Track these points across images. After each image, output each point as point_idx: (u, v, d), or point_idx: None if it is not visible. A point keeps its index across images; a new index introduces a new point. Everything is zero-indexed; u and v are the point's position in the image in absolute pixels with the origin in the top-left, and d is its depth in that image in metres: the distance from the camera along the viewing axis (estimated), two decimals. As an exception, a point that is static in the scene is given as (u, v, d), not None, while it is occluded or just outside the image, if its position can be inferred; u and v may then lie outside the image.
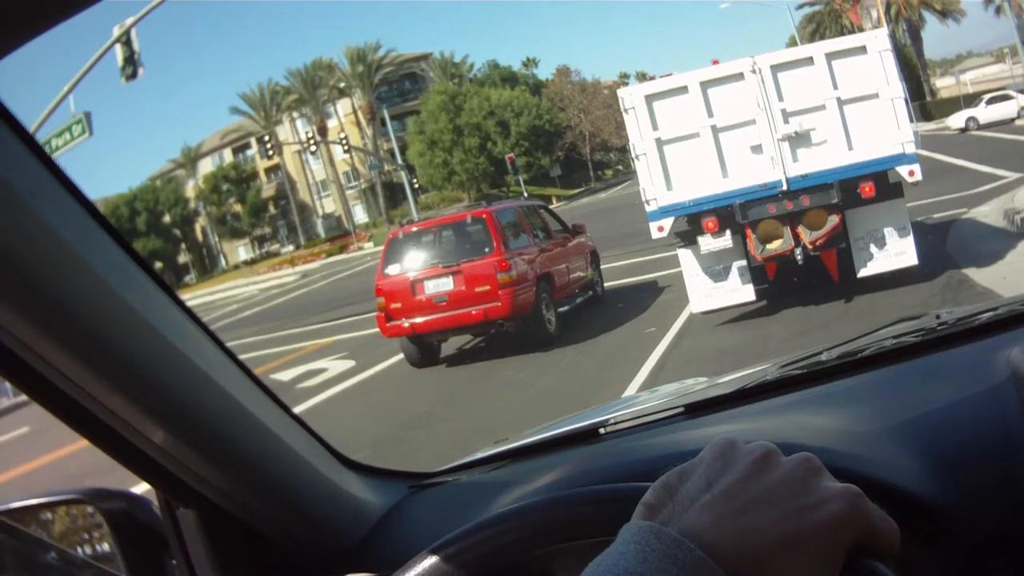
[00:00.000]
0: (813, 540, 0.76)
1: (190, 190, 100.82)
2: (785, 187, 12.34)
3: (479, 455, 2.02)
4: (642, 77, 17.26)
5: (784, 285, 13.92)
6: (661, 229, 12.84)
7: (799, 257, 12.75)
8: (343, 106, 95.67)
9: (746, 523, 0.76)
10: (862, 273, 12.90)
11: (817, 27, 76.69)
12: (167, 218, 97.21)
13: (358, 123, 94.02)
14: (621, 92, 13.18)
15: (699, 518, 0.77)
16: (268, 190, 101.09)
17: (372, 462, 1.84)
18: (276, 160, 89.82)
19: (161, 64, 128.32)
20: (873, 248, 12.77)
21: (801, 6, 79.39)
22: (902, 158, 12.06)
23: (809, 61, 12.40)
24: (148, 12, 22.84)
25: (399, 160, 76.07)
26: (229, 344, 1.42)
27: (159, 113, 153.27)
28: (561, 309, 15.83)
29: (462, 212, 16.38)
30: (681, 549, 0.73)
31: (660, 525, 0.77)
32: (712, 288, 13.30)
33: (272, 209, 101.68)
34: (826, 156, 12.30)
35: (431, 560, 1.15)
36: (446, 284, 14.66)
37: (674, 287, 16.38)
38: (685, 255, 13.31)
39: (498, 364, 14.62)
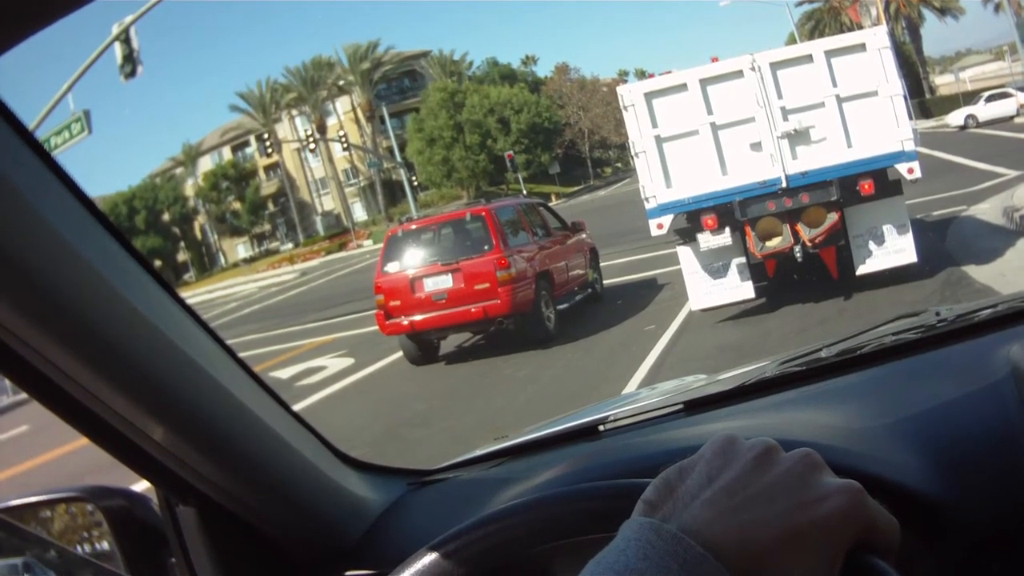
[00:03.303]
0: (814, 536, 0.76)
1: (189, 188, 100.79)
2: (784, 184, 12.36)
3: (478, 452, 2.02)
4: (641, 75, 17.34)
5: (783, 282, 13.93)
6: (660, 226, 12.85)
7: (798, 254, 12.76)
8: (342, 104, 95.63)
9: (747, 519, 0.76)
10: (861, 270, 12.91)
11: (816, 24, 76.70)
12: (166, 216, 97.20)
13: (357, 121, 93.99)
14: (620, 90, 13.20)
15: (700, 514, 0.77)
16: (267, 188, 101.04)
17: (371, 459, 1.84)
18: (275, 158, 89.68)
19: (160, 62, 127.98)
20: (872, 245, 12.78)
21: (800, 3, 79.41)
22: (901, 155, 12.08)
23: (808, 59, 12.41)
24: (147, 10, 22.87)
25: (398, 158, 76.09)
26: (228, 342, 1.42)
27: (158, 111, 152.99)
28: (560, 307, 15.83)
29: (461, 210, 16.40)
30: (681, 546, 0.73)
31: (660, 522, 0.77)
32: (711, 285, 13.30)
33: (271, 207, 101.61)
34: (825, 153, 12.30)
35: (430, 557, 1.15)
36: (445, 281, 14.66)
37: (673, 284, 16.38)
38: (684, 252, 13.32)
39: (497, 361, 14.62)
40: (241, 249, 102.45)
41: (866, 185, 12.29)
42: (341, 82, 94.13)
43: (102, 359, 1.17)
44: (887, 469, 1.33)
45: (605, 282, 18.93)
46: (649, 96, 12.74)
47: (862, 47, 12.24)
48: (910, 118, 12.59)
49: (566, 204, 65.76)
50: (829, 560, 0.77)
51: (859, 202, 12.52)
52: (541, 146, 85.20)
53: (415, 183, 77.64)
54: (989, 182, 21.60)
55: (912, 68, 69.89)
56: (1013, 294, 2.01)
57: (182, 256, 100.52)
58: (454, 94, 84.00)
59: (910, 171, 12.16)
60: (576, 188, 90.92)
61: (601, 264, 19.02)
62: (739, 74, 12.49)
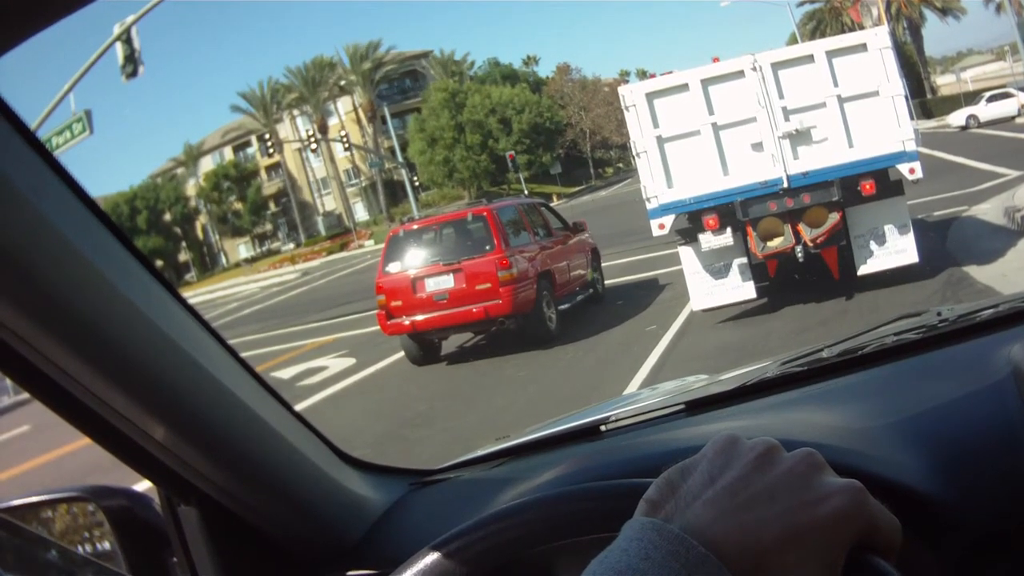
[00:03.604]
0: (815, 535, 0.76)
1: (191, 188, 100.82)
2: (786, 185, 12.35)
3: (480, 452, 2.02)
4: (643, 75, 17.29)
5: (785, 283, 13.93)
6: (662, 227, 12.85)
7: (800, 255, 12.76)
8: (344, 104, 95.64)
9: (749, 519, 0.76)
10: (863, 271, 12.91)
11: (818, 25, 76.73)
12: (168, 216, 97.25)
13: (359, 121, 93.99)
14: (622, 90, 13.19)
15: (702, 514, 0.77)
16: (269, 188, 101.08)
17: (373, 459, 1.84)
18: (277, 158, 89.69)
19: (161, 62, 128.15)
20: (874, 246, 12.78)
21: (801, 3, 79.49)
22: (902, 156, 12.08)
23: (810, 59, 12.40)
24: (148, 10, 22.86)
25: (400, 158, 76.05)
26: (230, 342, 1.43)
27: (160, 111, 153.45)
28: (562, 307, 15.83)
29: (463, 210, 16.40)
30: (684, 545, 0.73)
31: (663, 521, 0.77)
32: (713, 286, 13.30)
33: (273, 207, 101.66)
34: (827, 154, 12.30)
35: (432, 557, 1.15)
36: (447, 282, 14.66)
37: (675, 285, 16.38)
38: (686, 253, 13.31)
39: (499, 362, 14.62)
40: (242, 249, 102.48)
41: (867, 185, 12.29)
42: (343, 82, 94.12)
43: (104, 359, 1.17)
44: (888, 469, 1.34)
45: (606, 282, 18.92)
46: (650, 96, 12.74)
47: (863, 47, 12.24)
48: (911, 118, 12.58)
49: (567, 204, 65.80)
50: (831, 559, 0.77)
51: (860, 202, 12.52)
52: (542, 146, 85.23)
53: (416, 183, 77.56)
54: (990, 182, 21.60)
55: (913, 68, 69.95)
56: (1014, 294, 2.01)
57: (183, 256, 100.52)
58: (455, 94, 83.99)
59: (911, 171, 12.16)
60: (577, 188, 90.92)
61: (602, 264, 19.01)
62: (740, 74, 12.49)
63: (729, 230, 12.70)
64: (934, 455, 1.35)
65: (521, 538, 1.16)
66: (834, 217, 12.48)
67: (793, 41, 56.62)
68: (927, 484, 1.30)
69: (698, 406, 1.88)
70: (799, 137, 12.35)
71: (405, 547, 1.28)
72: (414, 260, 15.18)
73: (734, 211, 12.60)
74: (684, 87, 12.68)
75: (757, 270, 13.31)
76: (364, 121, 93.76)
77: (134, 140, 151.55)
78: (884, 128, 12.09)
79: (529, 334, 14.95)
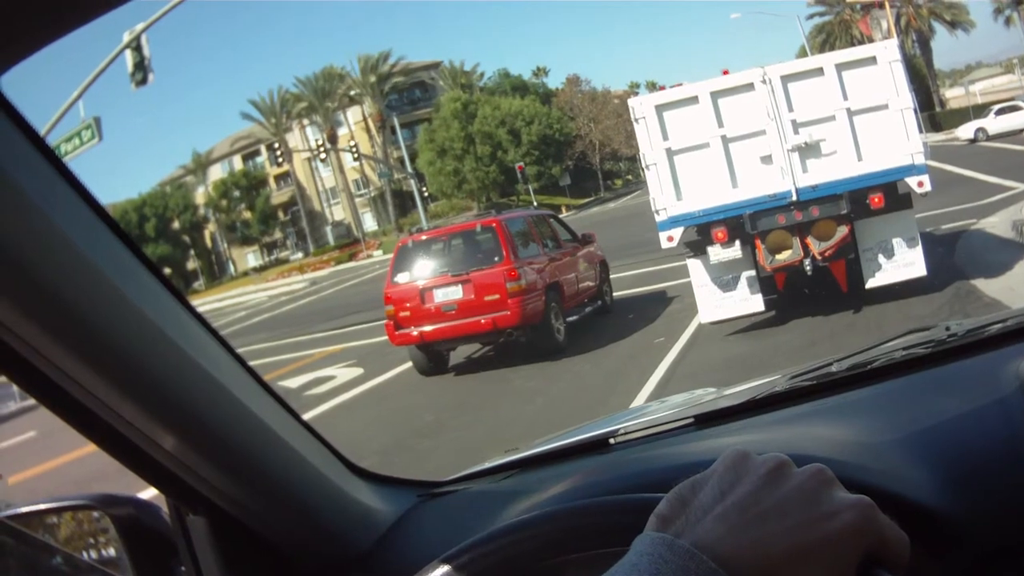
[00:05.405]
0: (825, 551, 0.76)
1: (199, 196, 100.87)
2: (795, 197, 12.36)
3: (488, 464, 2.01)
4: (652, 87, 17.36)
5: (793, 295, 13.91)
6: (671, 239, 12.84)
7: (808, 267, 12.74)
8: (353, 114, 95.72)
9: (759, 534, 0.76)
10: (871, 284, 12.89)
11: (827, 37, 76.63)
12: (176, 224, 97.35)
13: (368, 131, 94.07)
14: (632, 102, 13.19)
15: (712, 529, 0.77)
16: (278, 197, 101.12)
17: (380, 470, 1.84)
18: (286, 167, 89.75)
19: (171, 70, 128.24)
20: (882, 259, 12.77)
21: (811, 16, 79.42)
22: (911, 169, 12.07)
23: (819, 72, 12.41)
24: (158, 18, 22.92)
25: (409, 168, 76.11)
26: (238, 351, 1.42)
27: (169, 119, 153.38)
28: (570, 318, 15.83)
29: (471, 221, 16.36)
30: (694, 561, 0.73)
31: (673, 536, 0.77)
32: (721, 298, 13.29)
33: (282, 216, 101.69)
34: (836, 167, 12.30)
35: (442, 570, 1.15)
36: (455, 292, 14.66)
37: (683, 297, 16.35)
38: (694, 265, 13.31)
39: (507, 373, 14.62)
40: (251, 258, 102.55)
41: (876, 198, 12.28)
42: (352, 92, 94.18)
43: (113, 366, 1.17)
44: (897, 483, 1.34)
45: (615, 294, 18.93)
46: (660, 108, 12.75)
47: (873, 60, 12.25)
48: (920, 131, 12.58)
49: (576, 216, 65.79)
50: (840, 574, 0.77)
51: (869, 215, 12.52)
52: (552, 158, 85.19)
53: (425, 194, 77.56)
54: (999, 195, 21.58)
55: (922, 81, 69.82)
56: (1022, 309, 2.00)
57: (192, 264, 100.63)
58: (467, 105, 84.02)
59: (920, 184, 12.16)
60: (586, 200, 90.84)
61: (611, 276, 19.01)
62: (750, 87, 12.50)
63: (738, 243, 12.71)
64: (942, 470, 1.35)
65: (532, 552, 1.16)
66: (843, 230, 12.47)
67: (803, 54, 56.61)
68: (935, 499, 1.30)
69: (707, 420, 1.88)
70: (808, 150, 12.36)
71: (414, 559, 1.28)
72: (423, 271, 15.19)
73: (743, 224, 12.60)
74: (694, 99, 12.69)
75: (765, 283, 13.30)
76: (373, 131, 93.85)
77: (143, 147, 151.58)
78: (893, 141, 12.09)
79: (537, 346, 14.95)
